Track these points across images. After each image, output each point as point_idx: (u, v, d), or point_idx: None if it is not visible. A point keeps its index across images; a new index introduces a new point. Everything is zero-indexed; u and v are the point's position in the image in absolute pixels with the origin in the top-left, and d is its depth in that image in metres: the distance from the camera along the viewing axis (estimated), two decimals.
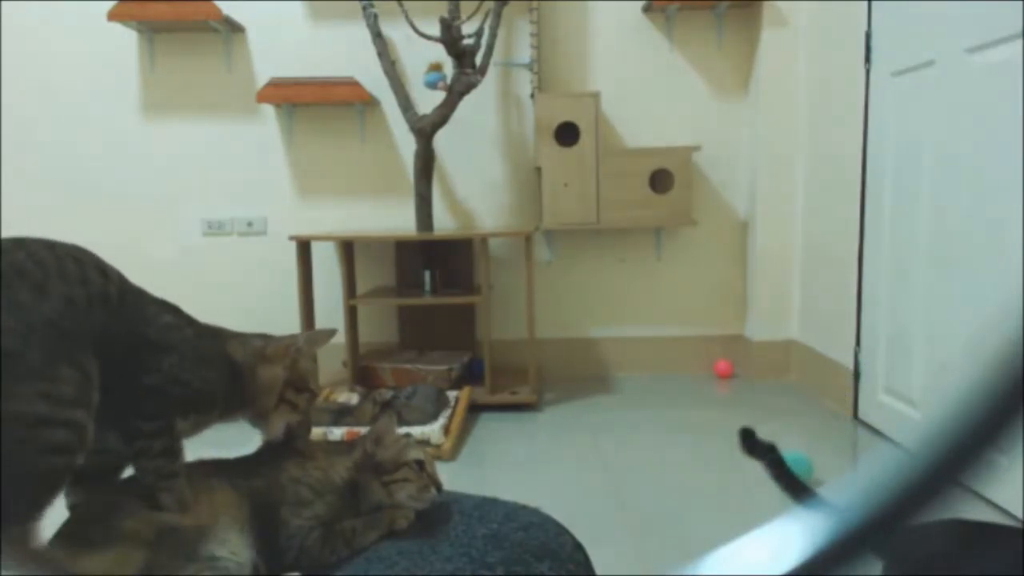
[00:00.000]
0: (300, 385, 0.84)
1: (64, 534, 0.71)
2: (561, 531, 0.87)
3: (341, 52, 3.00)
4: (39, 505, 0.64)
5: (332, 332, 0.91)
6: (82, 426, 0.65)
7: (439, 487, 0.85)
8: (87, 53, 3.01)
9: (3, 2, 2.97)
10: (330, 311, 2.98)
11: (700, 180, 3.06)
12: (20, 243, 0.68)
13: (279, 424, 0.83)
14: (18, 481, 0.62)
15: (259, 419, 0.84)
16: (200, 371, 0.77)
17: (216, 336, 0.82)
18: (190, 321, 0.80)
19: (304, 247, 2.68)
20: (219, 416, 0.81)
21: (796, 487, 0.92)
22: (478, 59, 2.66)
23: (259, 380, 0.82)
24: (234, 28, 2.97)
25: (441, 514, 0.84)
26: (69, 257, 0.69)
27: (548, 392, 2.88)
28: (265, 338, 0.85)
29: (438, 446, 2.16)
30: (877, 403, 2.31)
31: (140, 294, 0.77)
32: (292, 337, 0.86)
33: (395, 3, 2.74)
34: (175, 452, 0.75)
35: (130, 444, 0.74)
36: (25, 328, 0.63)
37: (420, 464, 0.84)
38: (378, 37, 2.71)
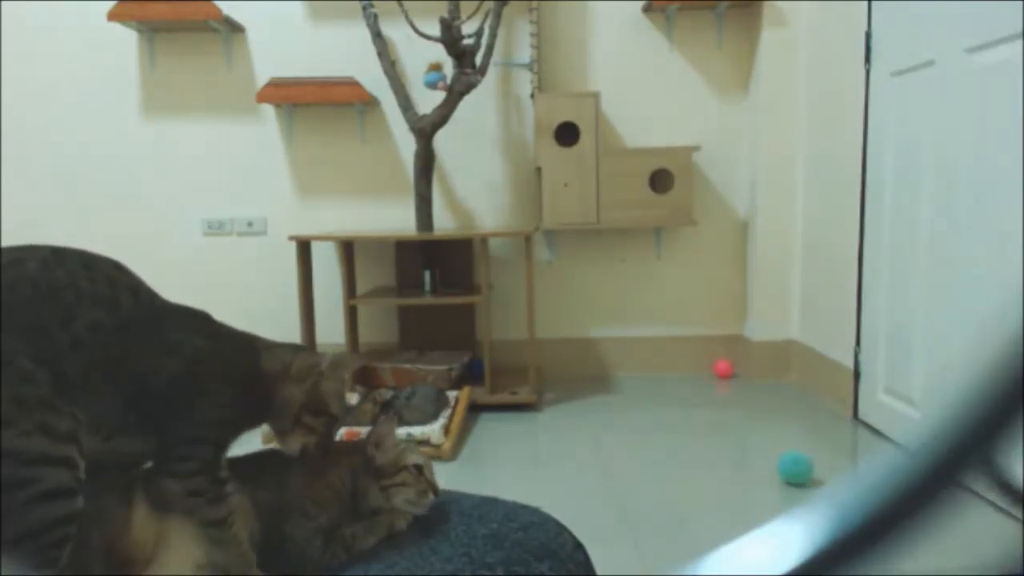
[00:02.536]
0: (318, 409, 0.79)
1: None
2: (561, 531, 0.87)
3: (341, 52, 3.00)
4: (51, 563, 0.59)
5: (361, 359, 0.87)
6: (77, 466, 0.61)
7: (436, 491, 0.84)
8: (87, 53, 3.01)
9: (3, 2, 2.98)
10: (330, 311, 2.98)
11: (700, 180, 3.06)
12: (61, 259, 0.66)
13: (295, 446, 0.79)
14: (21, 539, 0.57)
15: (276, 436, 0.81)
16: (231, 399, 0.74)
17: (249, 348, 0.78)
18: (219, 333, 0.76)
19: (304, 247, 2.68)
20: (247, 429, 0.78)
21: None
22: (478, 59, 2.66)
23: (277, 397, 0.78)
24: (234, 28, 2.97)
25: (441, 514, 0.84)
26: (104, 278, 0.67)
27: (548, 392, 2.88)
28: (295, 350, 0.80)
29: (438, 446, 2.16)
30: (877, 403, 2.31)
31: (172, 312, 0.73)
32: (317, 356, 0.81)
33: (395, 3, 2.74)
34: (220, 495, 0.71)
35: (165, 470, 0.70)
36: (40, 353, 0.61)
37: (419, 468, 0.84)
38: (378, 37, 2.71)
